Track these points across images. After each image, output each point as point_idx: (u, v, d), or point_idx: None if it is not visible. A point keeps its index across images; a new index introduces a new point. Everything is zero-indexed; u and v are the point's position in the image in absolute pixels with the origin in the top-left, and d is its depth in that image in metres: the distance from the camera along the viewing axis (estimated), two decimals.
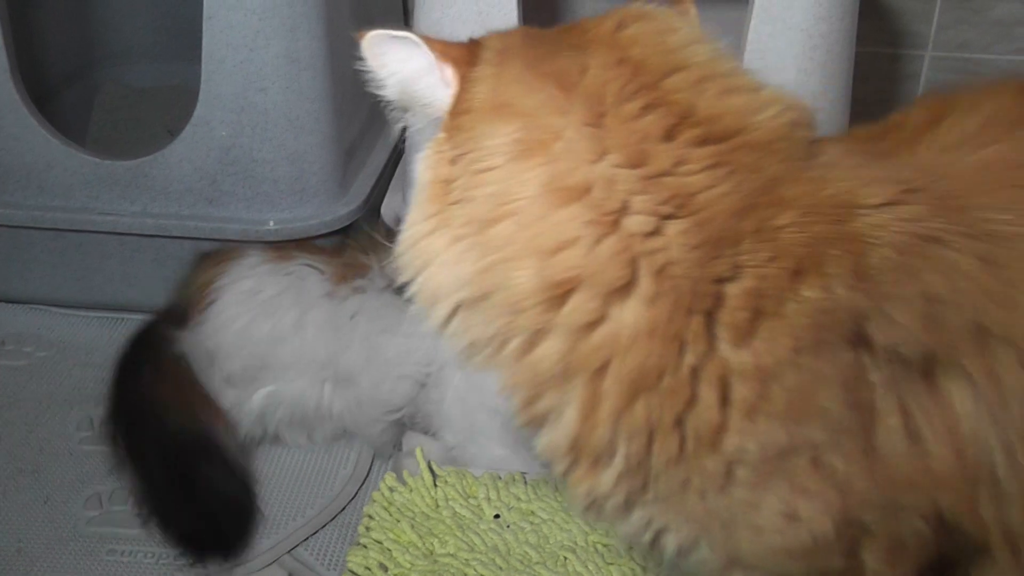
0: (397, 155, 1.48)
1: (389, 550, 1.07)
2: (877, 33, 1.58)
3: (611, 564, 1.05)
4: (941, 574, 0.73)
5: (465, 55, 0.73)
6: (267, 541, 1.12)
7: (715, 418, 0.65)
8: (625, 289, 0.65)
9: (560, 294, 0.65)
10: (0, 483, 1.19)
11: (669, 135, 0.67)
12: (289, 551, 1.11)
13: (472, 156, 0.69)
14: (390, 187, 1.40)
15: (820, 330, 0.63)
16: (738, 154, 0.67)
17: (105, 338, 1.43)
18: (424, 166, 0.74)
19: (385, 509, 1.12)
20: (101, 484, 1.19)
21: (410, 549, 1.08)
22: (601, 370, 0.66)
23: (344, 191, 1.40)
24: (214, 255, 1.28)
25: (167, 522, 1.11)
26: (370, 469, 1.23)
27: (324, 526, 1.15)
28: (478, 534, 1.09)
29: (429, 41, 0.72)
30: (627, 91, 0.68)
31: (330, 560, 1.11)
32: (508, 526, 1.10)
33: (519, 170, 0.67)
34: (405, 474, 1.16)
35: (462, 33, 1.19)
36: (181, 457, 1.15)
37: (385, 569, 1.06)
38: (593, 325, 0.66)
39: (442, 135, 0.72)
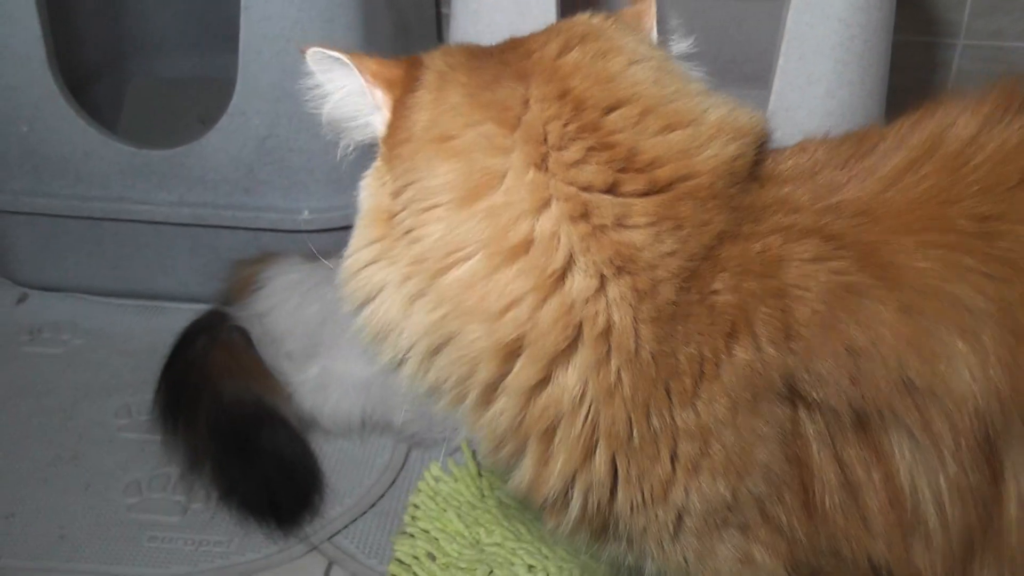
0: None
1: (436, 539, 1.08)
2: (910, 22, 1.57)
3: None
4: None
5: (401, 77, 0.71)
6: (305, 529, 1.12)
7: (666, 473, 0.67)
8: (567, 352, 0.65)
9: (508, 354, 0.66)
10: (40, 470, 1.20)
11: (613, 186, 0.66)
12: (329, 539, 1.11)
13: (414, 193, 0.68)
14: None
15: (754, 389, 0.65)
16: (681, 206, 0.65)
17: (141, 326, 1.44)
18: (365, 193, 0.73)
19: (431, 499, 1.13)
20: (140, 471, 1.20)
21: (457, 538, 1.08)
22: (550, 430, 0.67)
23: None
24: (254, 257, 1.33)
25: (232, 482, 1.14)
26: (406, 458, 1.23)
27: (363, 514, 1.15)
28: (524, 523, 1.09)
29: (360, 61, 0.70)
30: (569, 132, 0.66)
31: (370, 548, 1.11)
32: None
33: (463, 217, 0.66)
34: (450, 463, 1.17)
35: (498, 23, 1.20)
36: (240, 418, 1.17)
37: (433, 558, 1.06)
38: (539, 387, 0.66)
39: (380, 163, 0.71)
